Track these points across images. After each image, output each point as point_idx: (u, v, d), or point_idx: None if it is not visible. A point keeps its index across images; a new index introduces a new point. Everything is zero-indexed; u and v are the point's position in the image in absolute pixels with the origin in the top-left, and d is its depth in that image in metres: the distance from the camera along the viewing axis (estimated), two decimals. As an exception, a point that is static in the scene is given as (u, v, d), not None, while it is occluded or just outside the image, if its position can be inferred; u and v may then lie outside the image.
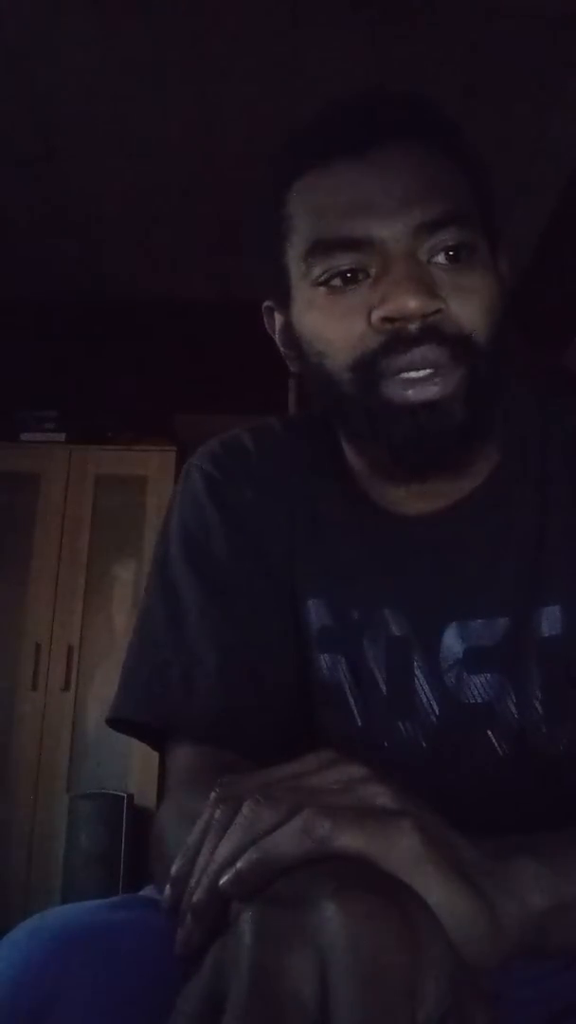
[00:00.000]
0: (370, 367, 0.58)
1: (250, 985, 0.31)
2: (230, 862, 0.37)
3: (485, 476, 0.66)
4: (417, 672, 0.64)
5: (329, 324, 0.60)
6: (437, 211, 0.58)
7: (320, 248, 0.59)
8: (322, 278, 0.60)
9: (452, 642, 0.63)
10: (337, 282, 0.59)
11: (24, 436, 3.18)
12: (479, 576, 0.64)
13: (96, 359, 3.50)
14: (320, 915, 0.32)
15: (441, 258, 0.58)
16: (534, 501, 0.65)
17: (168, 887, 0.41)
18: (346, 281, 0.59)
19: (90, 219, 3.13)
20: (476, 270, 0.59)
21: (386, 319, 0.57)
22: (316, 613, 0.67)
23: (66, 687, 2.91)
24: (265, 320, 0.70)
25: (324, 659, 0.66)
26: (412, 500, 0.66)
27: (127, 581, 3.05)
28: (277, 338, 0.69)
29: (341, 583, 0.67)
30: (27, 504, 3.11)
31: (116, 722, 0.66)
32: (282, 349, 0.69)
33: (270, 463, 0.72)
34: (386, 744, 0.64)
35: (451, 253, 0.58)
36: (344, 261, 0.58)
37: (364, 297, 0.58)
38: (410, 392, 0.57)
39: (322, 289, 0.60)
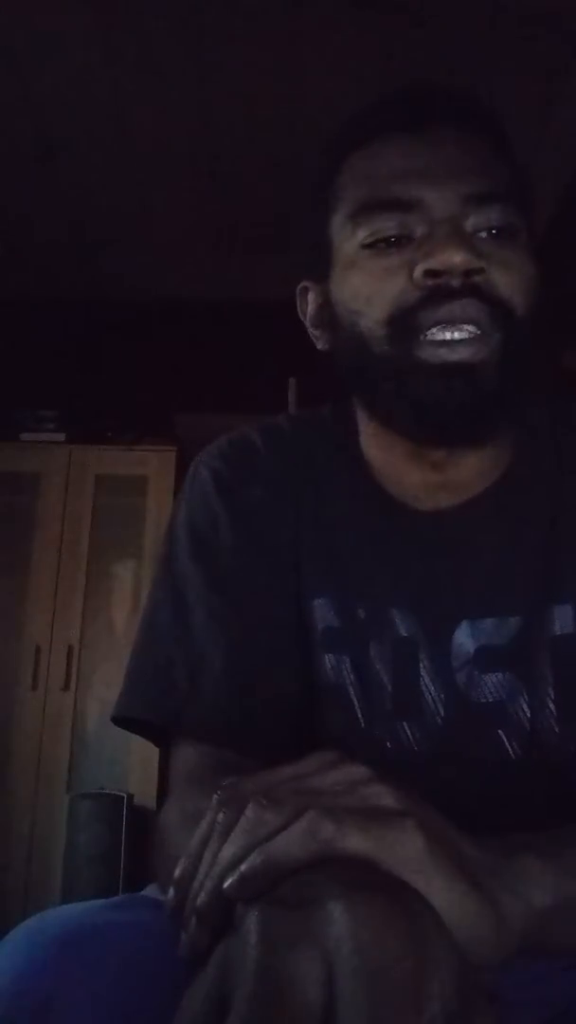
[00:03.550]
0: (407, 321, 0.58)
1: (255, 986, 0.31)
2: (234, 865, 0.37)
3: (498, 475, 0.66)
4: (423, 673, 0.64)
5: (369, 281, 0.61)
6: (485, 185, 0.59)
7: (368, 208, 0.60)
8: (367, 240, 0.60)
9: (463, 640, 0.63)
10: (382, 245, 0.60)
11: (24, 436, 3.18)
12: (491, 574, 0.64)
13: (96, 359, 3.50)
14: (325, 916, 0.32)
15: (484, 235, 0.59)
16: (547, 500, 0.65)
17: (172, 890, 0.40)
18: (390, 245, 0.60)
19: (90, 219, 3.13)
20: (517, 250, 0.60)
21: (429, 272, 0.57)
22: (321, 613, 0.67)
23: (66, 687, 2.90)
24: (298, 302, 0.71)
25: (328, 659, 0.66)
26: (427, 492, 0.66)
27: (127, 581, 3.05)
28: (309, 319, 0.70)
29: (348, 582, 0.67)
30: (27, 504, 3.11)
31: (120, 720, 0.66)
32: (312, 330, 0.70)
33: (279, 461, 0.72)
34: (389, 745, 0.64)
35: (494, 232, 0.59)
36: (391, 223, 0.59)
37: (407, 256, 0.59)
38: (444, 351, 0.57)
39: (365, 251, 0.61)
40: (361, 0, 2.15)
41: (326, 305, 0.66)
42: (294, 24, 2.25)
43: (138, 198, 3.00)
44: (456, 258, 0.56)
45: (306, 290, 0.70)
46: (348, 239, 0.62)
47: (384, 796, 0.40)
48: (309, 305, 0.70)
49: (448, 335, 0.57)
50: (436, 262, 0.57)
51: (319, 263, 0.66)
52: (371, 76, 2.30)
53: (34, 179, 2.91)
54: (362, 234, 0.60)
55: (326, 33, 2.27)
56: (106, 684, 2.87)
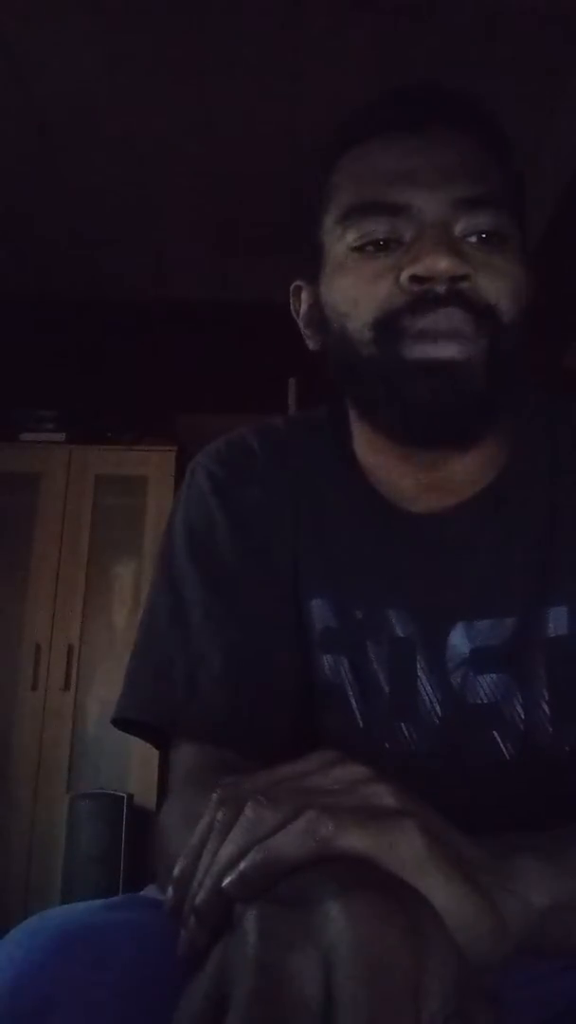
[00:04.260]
0: (392, 325, 0.58)
1: (253, 985, 0.31)
2: (233, 863, 0.37)
3: (494, 476, 0.66)
4: (420, 674, 0.64)
5: (357, 284, 0.61)
6: (477, 190, 0.59)
7: (358, 210, 0.60)
8: (356, 243, 0.61)
9: (458, 642, 0.63)
10: (371, 248, 0.60)
11: (24, 436, 3.18)
12: (487, 575, 0.64)
13: (96, 359, 3.50)
14: (324, 915, 0.32)
15: (474, 239, 0.59)
16: (542, 501, 0.65)
17: (171, 888, 0.40)
18: (379, 248, 0.60)
19: (90, 219, 3.13)
20: (506, 255, 0.60)
21: (414, 278, 0.57)
22: (319, 613, 0.67)
23: (66, 687, 2.91)
24: (292, 302, 0.72)
25: (326, 660, 0.66)
26: (421, 494, 0.66)
27: (127, 581, 3.05)
28: (301, 318, 0.70)
29: (345, 583, 0.67)
30: (27, 504, 3.11)
31: (120, 722, 0.66)
32: (304, 329, 0.70)
33: (275, 462, 0.72)
34: (387, 745, 0.64)
35: (484, 237, 0.59)
36: (380, 227, 0.60)
37: (395, 260, 0.59)
38: (430, 348, 0.57)
39: (355, 254, 0.61)
40: (361, 1, 2.15)
41: (316, 305, 0.66)
42: (294, 25, 2.25)
43: (138, 198, 3.00)
44: (441, 264, 0.56)
45: (299, 289, 0.70)
46: (338, 241, 0.62)
47: (384, 795, 0.39)
48: (302, 304, 0.70)
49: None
50: (421, 268, 0.57)
51: (312, 263, 0.66)
52: (371, 77, 2.30)
53: (34, 179, 2.91)
54: (351, 236, 0.61)
55: (326, 34, 2.27)
56: (106, 684, 2.88)
